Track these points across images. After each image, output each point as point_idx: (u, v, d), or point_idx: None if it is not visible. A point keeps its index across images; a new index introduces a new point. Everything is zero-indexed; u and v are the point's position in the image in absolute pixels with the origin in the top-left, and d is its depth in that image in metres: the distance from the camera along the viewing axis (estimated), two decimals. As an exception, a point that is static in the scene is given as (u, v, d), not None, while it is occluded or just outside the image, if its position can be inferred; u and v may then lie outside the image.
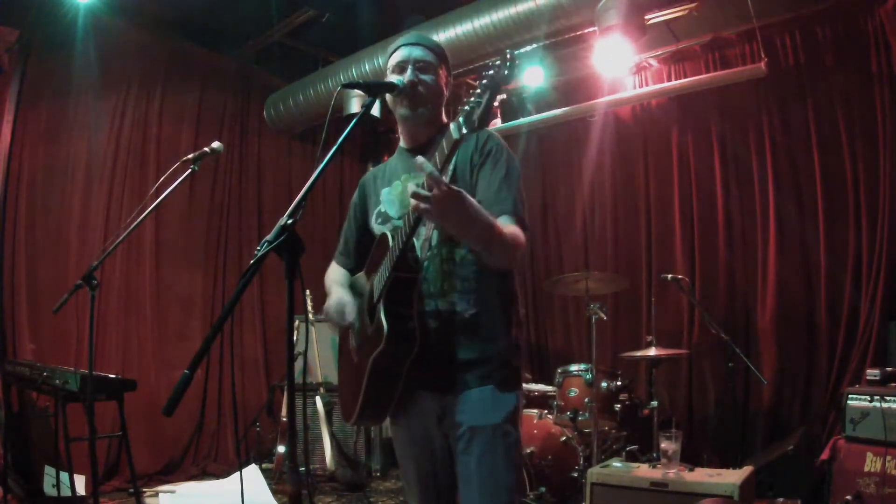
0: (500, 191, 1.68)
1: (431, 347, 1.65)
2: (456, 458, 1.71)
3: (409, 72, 1.77)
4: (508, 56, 1.33)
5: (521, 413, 1.76)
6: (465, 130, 1.34)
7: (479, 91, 1.33)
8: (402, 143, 1.93)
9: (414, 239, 1.62)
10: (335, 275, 2.00)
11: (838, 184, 4.27)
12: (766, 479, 3.44)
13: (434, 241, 1.71)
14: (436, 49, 1.85)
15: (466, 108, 1.34)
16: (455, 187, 1.39)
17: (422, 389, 1.72)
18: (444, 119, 1.89)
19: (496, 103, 1.35)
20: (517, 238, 1.61)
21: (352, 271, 1.97)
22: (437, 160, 1.41)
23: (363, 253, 1.92)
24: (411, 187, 1.38)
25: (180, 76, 5.27)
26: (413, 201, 1.39)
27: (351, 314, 1.80)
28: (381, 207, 1.87)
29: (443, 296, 1.69)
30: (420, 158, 1.37)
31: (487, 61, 1.33)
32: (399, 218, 1.80)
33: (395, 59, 1.82)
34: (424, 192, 1.36)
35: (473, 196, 1.63)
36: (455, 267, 1.70)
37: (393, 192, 1.84)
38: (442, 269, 1.71)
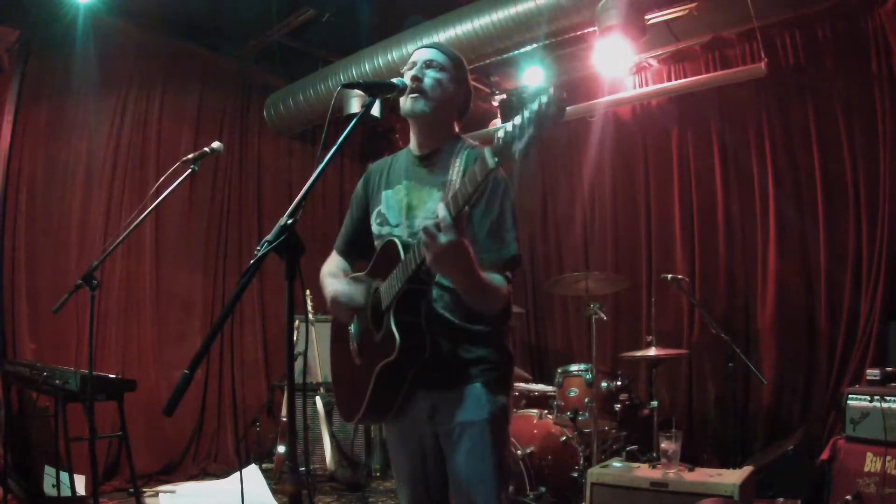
0: (490, 235, 1.69)
1: (433, 352, 1.67)
2: (446, 455, 1.73)
3: (416, 68, 1.79)
4: (559, 93, 1.19)
5: (510, 414, 1.79)
6: (499, 159, 1.31)
7: (519, 123, 1.23)
8: (411, 146, 1.92)
9: None
10: (332, 267, 1.98)
11: (838, 184, 4.27)
12: (766, 479, 3.43)
13: None
14: (451, 56, 1.86)
15: (503, 135, 1.26)
16: (459, 240, 1.41)
17: (415, 387, 1.73)
18: (456, 129, 1.89)
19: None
20: (497, 292, 1.64)
21: (350, 263, 1.99)
22: (468, 186, 1.40)
23: (361, 245, 1.94)
24: (426, 224, 1.42)
25: (180, 76, 5.26)
26: (421, 234, 1.44)
27: (360, 298, 1.78)
28: (381, 208, 1.87)
29: (446, 309, 1.72)
30: (441, 208, 1.41)
31: (535, 96, 1.18)
32: (396, 225, 1.81)
33: (409, 61, 1.84)
34: (433, 232, 1.40)
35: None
36: None
37: (394, 198, 1.85)
38: (447, 283, 1.72)
